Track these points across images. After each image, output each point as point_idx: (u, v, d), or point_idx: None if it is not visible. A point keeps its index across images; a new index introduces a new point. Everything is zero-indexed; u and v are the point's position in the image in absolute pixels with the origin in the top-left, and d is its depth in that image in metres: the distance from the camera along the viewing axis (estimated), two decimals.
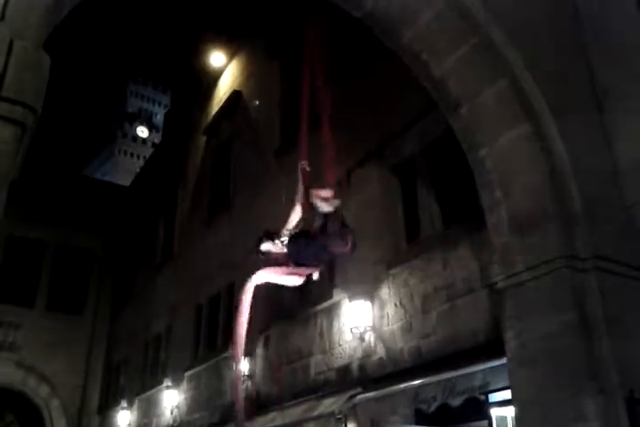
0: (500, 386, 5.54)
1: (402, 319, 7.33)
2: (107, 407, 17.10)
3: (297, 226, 4.40)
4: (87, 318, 18.53)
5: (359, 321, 7.77)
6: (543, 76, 4.91)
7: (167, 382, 13.12)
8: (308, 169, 4.57)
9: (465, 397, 5.82)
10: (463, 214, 6.91)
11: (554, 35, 5.28)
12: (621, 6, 5.25)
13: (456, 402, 5.89)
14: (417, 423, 6.67)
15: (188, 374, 12.57)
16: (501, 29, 4.95)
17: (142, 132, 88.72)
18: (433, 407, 6.10)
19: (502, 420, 5.86)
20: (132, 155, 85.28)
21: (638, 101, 4.90)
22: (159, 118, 77.88)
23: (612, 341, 4.30)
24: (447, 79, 5.24)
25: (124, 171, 74.63)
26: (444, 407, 6.08)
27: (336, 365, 8.27)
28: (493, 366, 5.53)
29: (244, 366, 9.98)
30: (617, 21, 5.22)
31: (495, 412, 5.87)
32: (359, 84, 9.11)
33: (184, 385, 12.72)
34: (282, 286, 11.09)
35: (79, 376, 17.78)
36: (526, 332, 4.66)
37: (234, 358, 4.41)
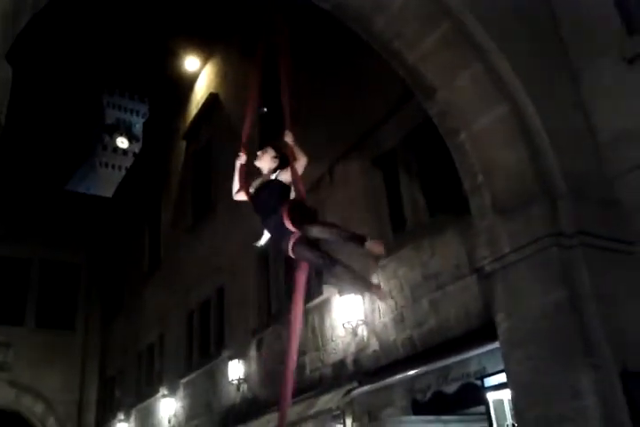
0: (496, 370, 5.50)
1: (393, 311, 7.29)
2: (104, 421, 16.90)
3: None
4: (78, 333, 18.34)
5: (351, 316, 7.73)
6: (516, 55, 4.89)
7: (163, 391, 12.99)
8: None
9: (460, 383, 5.78)
10: (448, 201, 6.89)
11: (525, 14, 5.26)
12: None
13: (451, 389, 5.85)
14: (414, 413, 6.64)
15: (183, 381, 12.45)
16: (472, 12, 4.94)
17: (122, 142, 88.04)
18: (428, 396, 6.05)
19: (499, 404, 5.81)
20: (113, 166, 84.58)
21: (612, 74, 4.90)
22: (138, 128, 77.28)
23: (602, 316, 4.27)
24: (421, 65, 5.21)
25: (107, 183, 73.88)
26: (441, 395, 6.05)
27: (331, 361, 8.22)
28: (489, 351, 5.49)
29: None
30: None
31: (492, 396, 5.83)
32: (335, 78, 9.08)
33: (180, 393, 12.60)
34: (270, 287, 10.95)
35: (74, 392, 17.58)
36: (517, 313, 4.63)
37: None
